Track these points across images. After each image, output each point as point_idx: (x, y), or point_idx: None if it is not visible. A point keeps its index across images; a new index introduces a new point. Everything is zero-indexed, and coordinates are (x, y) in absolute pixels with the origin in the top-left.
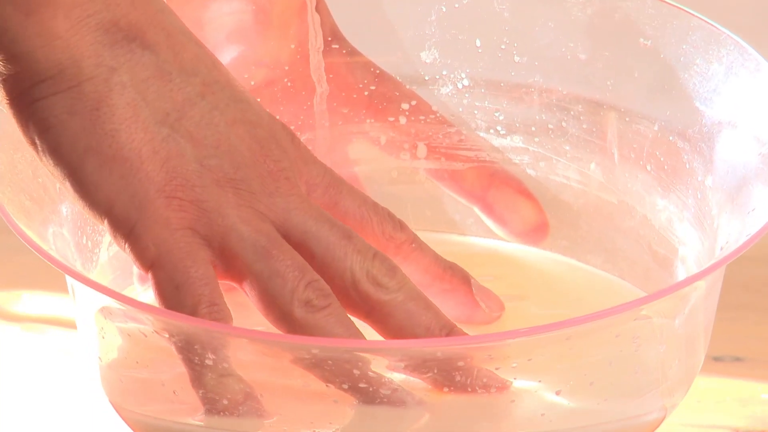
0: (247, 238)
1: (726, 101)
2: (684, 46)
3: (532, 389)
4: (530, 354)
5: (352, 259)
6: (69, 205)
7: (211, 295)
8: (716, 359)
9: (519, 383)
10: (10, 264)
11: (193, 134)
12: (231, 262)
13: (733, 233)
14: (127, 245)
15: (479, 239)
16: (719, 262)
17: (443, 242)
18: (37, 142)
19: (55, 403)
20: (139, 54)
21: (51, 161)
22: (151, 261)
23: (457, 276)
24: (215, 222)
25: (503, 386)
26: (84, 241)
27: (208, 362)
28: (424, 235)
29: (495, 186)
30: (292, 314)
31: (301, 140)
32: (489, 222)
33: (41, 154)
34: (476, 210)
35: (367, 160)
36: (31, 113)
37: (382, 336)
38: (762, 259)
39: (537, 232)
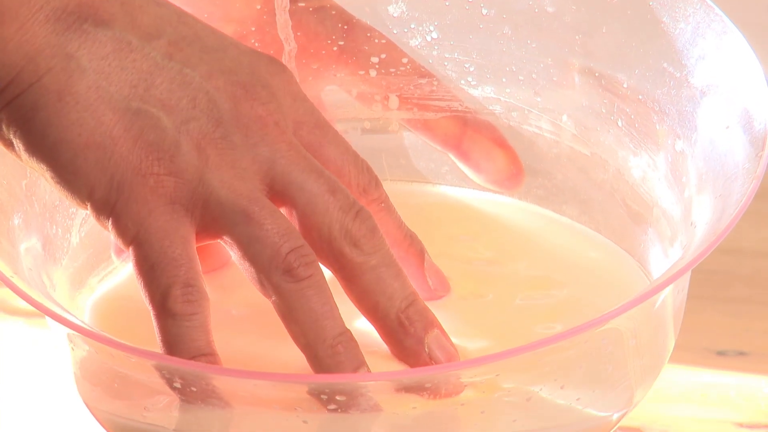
0: (226, 202)
1: (693, 65)
2: (651, 3)
3: (503, 399)
4: (498, 370)
5: (333, 215)
6: (36, 200)
7: (186, 276)
8: (720, 354)
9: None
10: None
11: (165, 101)
12: (214, 227)
13: (704, 212)
14: (109, 224)
15: (454, 189)
16: (688, 265)
17: (418, 194)
18: (13, 143)
19: (59, 396)
20: (93, 32)
21: (27, 159)
22: (130, 239)
23: (414, 246)
24: (196, 190)
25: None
26: (54, 231)
27: (177, 386)
28: (398, 186)
29: (469, 134)
30: (270, 280)
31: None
32: (465, 168)
33: (18, 153)
34: (451, 156)
35: (339, 111)
36: (1, 120)
37: (347, 293)
38: (766, 253)
39: (512, 180)
